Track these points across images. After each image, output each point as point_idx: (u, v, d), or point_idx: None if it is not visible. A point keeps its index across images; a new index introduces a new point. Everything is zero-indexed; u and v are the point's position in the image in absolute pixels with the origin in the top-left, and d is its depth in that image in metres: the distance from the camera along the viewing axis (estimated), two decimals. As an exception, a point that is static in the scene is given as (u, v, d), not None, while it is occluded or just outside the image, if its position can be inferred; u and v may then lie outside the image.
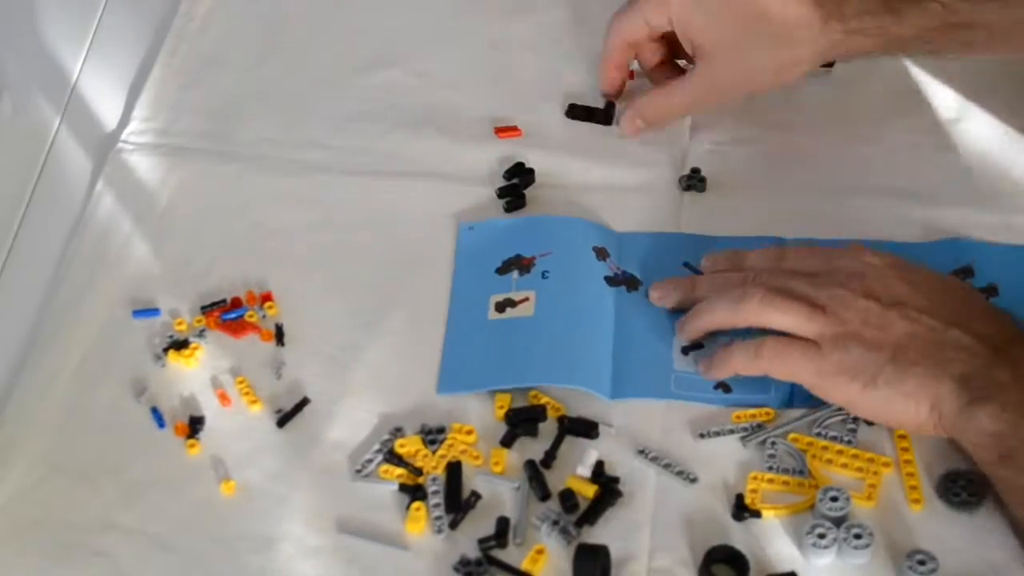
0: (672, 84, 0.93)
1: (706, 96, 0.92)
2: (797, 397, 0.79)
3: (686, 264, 0.87)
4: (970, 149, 0.95)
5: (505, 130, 0.97)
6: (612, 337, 0.83)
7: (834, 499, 0.72)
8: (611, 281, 0.86)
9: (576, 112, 0.97)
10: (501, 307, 0.85)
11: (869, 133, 0.96)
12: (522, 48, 1.04)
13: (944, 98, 0.98)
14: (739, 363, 0.78)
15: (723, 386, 0.80)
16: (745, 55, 0.88)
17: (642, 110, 0.93)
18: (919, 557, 0.70)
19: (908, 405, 0.73)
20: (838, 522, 0.72)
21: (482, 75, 1.02)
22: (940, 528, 0.73)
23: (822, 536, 0.71)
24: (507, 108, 0.99)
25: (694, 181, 0.92)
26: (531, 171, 0.93)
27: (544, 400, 0.80)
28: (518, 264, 0.87)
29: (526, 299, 0.85)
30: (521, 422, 0.79)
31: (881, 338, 0.74)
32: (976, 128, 0.96)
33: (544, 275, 0.86)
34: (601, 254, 0.88)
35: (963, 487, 0.74)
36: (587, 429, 0.78)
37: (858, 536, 0.71)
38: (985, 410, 0.71)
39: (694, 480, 0.76)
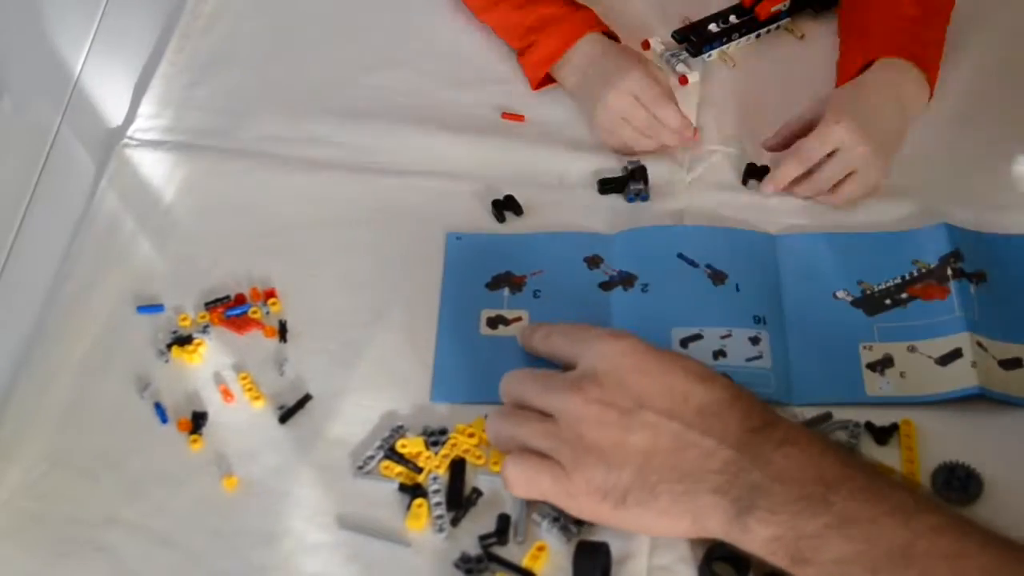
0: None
1: None
2: (795, 392, 0.80)
3: (680, 256, 0.87)
4: (974, 148, 0.95)
5: (510, 115, 0.99)
6: None
7: None
8: (606, 286, 0.86)
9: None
10: (493, 323, 0.85)
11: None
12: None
13: (948, 97, 0.98)
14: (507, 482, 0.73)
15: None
16: None
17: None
18: None
19: (664, 521, 0.69)
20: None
21: (488, 75, 1.03)
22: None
23: None
24: (513, 107, 1.00)
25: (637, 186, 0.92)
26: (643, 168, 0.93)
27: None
28: (508, 281, 0.87)
29: (519, 318, 0.85)
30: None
31: (622, 455, 0.69)
32: (979, 128, 0.96)
33: (536, 294, 0.86)
34: (593, 262, 0.88)
35: (958, 480, 0.74)
36: None
37: None
38: (755, 518, 0.67)
39: None
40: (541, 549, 0.73)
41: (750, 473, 0.68)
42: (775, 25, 1.05)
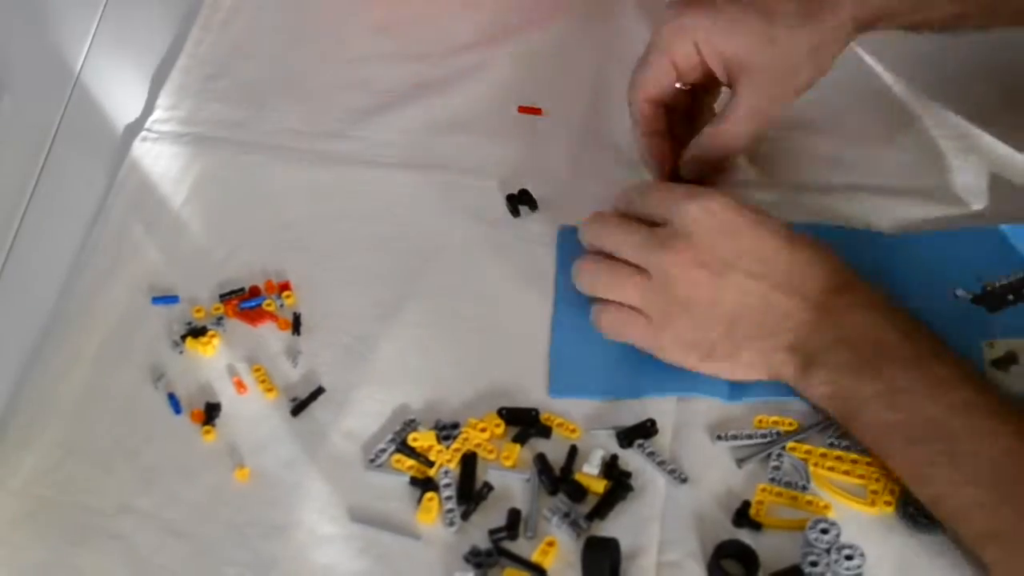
0: (721, 115, 0.85)
1: (761, 109, 0.84)
2: None
3: None
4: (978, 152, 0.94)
5: (527, 108, 0.99)
6: None
7: (824, 531, 0.71)
8: None
9: None
10: None
11: (877, 134, 0.95)
12: (549, 44, 1.04)
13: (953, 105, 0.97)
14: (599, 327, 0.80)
15: None
16: (779, 48, 0.82)
17: (699, 152, 0.85)
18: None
19: (748, 372, 0.77)
20: (827, 551, 0.71)
21: (506, 71, 1.02)
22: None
23: (814, 564, 0.71)
24: (530, 101, 0.99)
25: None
26: None
27: (558, 422, 0.79)
28: None
29: None
30: (517, 420, 0.79)
31: (712, 314, 0.75)
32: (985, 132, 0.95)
33: None
34: None
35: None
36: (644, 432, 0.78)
37: (849, 557, 0.70)
38: (818, 376, 0.74)
39: (684, 480, 0.76)
40: (551, 544, 0.73)
41: (821, 335, 0.74)
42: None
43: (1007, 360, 0.80)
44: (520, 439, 0.78)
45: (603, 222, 0.80)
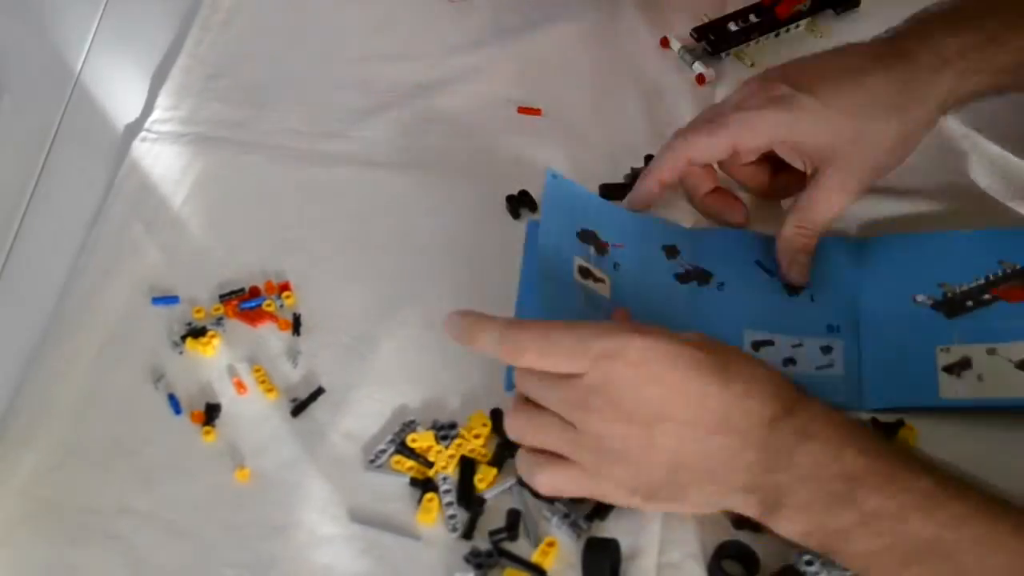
0: (811, 201, 0.84)
1: (846, 197, 0.84)
2: (866, 398, 0.79)
3: (758, 263, 0.86)
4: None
5: (527, 108, 0.99)
6: None
7: (809, 563, 0.70)
8: (681, 278, 0.85)
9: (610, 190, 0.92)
10: (585, 273, 0.83)
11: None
12: (549, 44, 1.04)
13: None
14: (523, 471, 0.73)
15: None
16: (867, 140, 0.83)
17: (791, 233, 0.85)
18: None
19: (696, 511, 0.73)
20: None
21: (506, 71, 1.03)
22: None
23: (810, 563, 0.70)
24: (530, 101, 1.00)
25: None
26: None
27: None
28: (595, 241, 0.86)
29: (603, 280, 0.84)
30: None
31: (649, 463, 0.69)
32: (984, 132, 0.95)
33: (616, 267, 0.85)
34: (671, 252, 0.87)
35: None
36: None
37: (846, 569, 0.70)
38: (783, 516, 0.68)
39: None
40: (551, 545, 0.73)
41: (775, 473, 0.68)
42: (795, 24, 1.05)
43: (961, 365, 0.79)
44: (495, 462, 0.78)
45: (522, 371, 0.73)
